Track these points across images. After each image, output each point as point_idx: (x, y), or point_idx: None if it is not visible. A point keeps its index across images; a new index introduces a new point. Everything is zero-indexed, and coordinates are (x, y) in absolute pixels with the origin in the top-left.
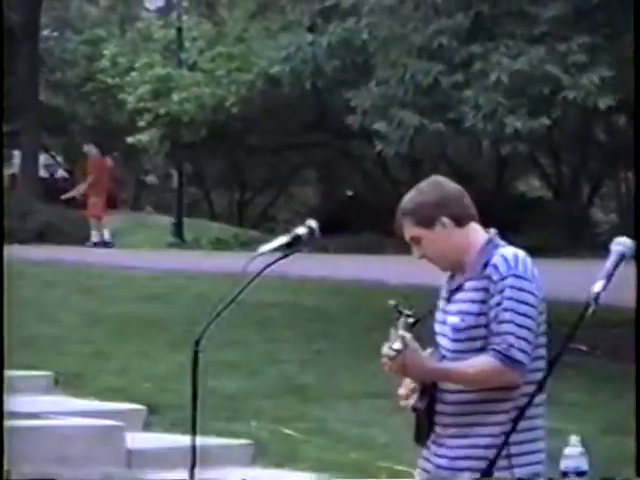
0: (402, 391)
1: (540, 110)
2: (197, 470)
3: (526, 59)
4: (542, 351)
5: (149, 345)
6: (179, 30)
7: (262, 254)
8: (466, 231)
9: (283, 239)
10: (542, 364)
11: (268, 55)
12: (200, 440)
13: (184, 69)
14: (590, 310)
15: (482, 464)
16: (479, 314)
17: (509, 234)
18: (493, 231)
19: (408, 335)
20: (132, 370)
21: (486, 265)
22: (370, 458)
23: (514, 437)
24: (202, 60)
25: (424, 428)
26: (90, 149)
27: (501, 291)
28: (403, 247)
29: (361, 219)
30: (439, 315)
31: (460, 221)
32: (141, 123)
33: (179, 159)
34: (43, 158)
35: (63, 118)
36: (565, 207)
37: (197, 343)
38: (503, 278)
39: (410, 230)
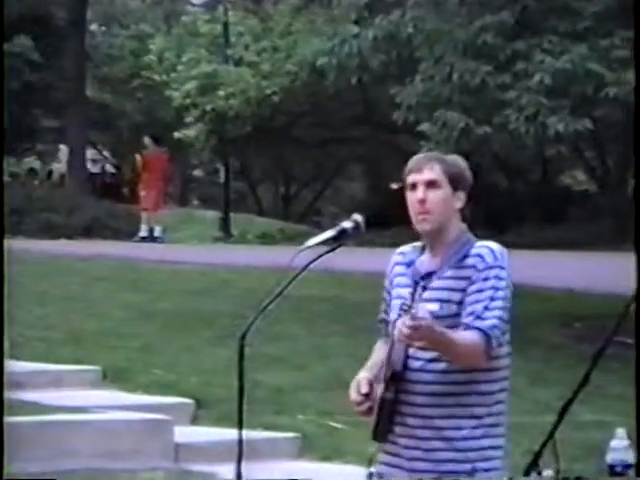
0: (357, 397)
1: (583, 109)
2: (244, 463)
3: (569, 57)
4: (509, 348)
5: (196, 339)
6: (225, 25)
7: (308, 248)
8: (459, 216)
9: (329, 233)
10: (510, 361)
11: (313, 47)
12: (247, 434)
13: (230, 64)
14: (635, 303)
15: (460, 456)
16: (460, 302)
17: (555, 227)
18: (464, 225)
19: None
20: (179, 364)
21: (466, 255)
22: None
23: (482, 432)
24: (248, 55)
25: (387, 421)
26: (148, 142)
27: (486, 279)
28: None
29: (406, 213)
30: (399, 303)
31: (464, 208)
32: (188, 119)
33: (225, 154)
34: (90, 153)
35: (110, 113)
36: (611, 200)
37: (243, 337)
38: (490, 267)
39: (435, 173)
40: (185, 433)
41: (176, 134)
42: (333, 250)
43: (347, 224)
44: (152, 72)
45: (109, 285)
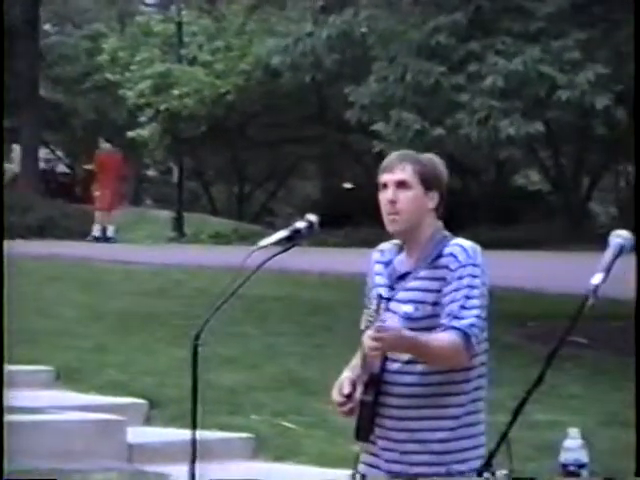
0: (338, 398)
1: (536, 112)
2: (197, 464)
3: (521, 59)
4: (486, 345)
5: (150, 339)
6: (179, 25)
7: (262, 248)
8: (434, 215)
9: (283, 233)
10: (486, 358)
11: (267, 46)
12: (200, 434)
13: (184, 64)
14: (589, 303)
15: (437, 458)
16: (435, 304)
17: (509, 227)
18: (440, 223)
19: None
20: (133, 364)
21: (440, 255)
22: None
23: (460, 433)
24: (202, 54)
25: (368, 422)
26: (103, 143)
27: (460, 278)
28: None
29: (360, 212)
30: (377, 301)
31: (439, 207)
32: (142, 118)
33: (179, 153)
34: (43, 153)
35: (63, 113)
36: (564, 200)
37: (197, 337)
38: (463, 266)
39: (406, 173)
40: (138, 433)
41: (130, 133)
42: (287, 250)
43: (301, 224)
44: (106, 72)
45: (62, 285)
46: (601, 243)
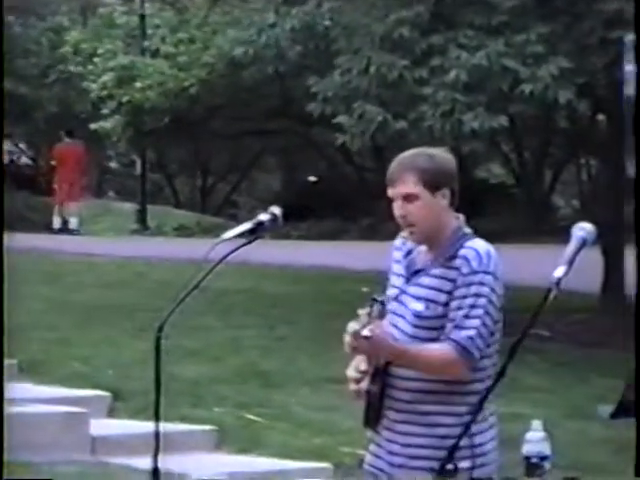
0: (353, 374)
1: (499, 105)
2: (161, 456)
3: (484, 53)
4: (497, 346)
5: (113, 332)
6: (142, 17)
7: (225, 241)
8: (450, 211)
9: (246, 226)
10: (497, 359)
11: (230, 38)
12: (163, 426)
13: (147, 56)
14: (552, 295)
15: (438, 453)
16: (446, 304)
17: (471, 219)
18: (462, 217)
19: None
20: (96, 357)
21: (455, 255)
22: (333, 443)
23: (475, 428)
24: (165, 47)
25: (375, 411)
26: (62, 135)
27: (469, 285)
28: (365, 233)
29: (324, 205)
30: (394, 293)
31: (453, 200)
32: (104, 110)
33: (142, 146)
34: (6, 145)
35: (26, 105)
36: (527, 193)
37: (160, 329)
38: (474, 272)
39: (408, 186)
40: (102, 426)
41: (92, 125)
42: (250, 243)
43: (264, 217)
44: (69, 64)
45: (25, 277)
46: (563, 236)
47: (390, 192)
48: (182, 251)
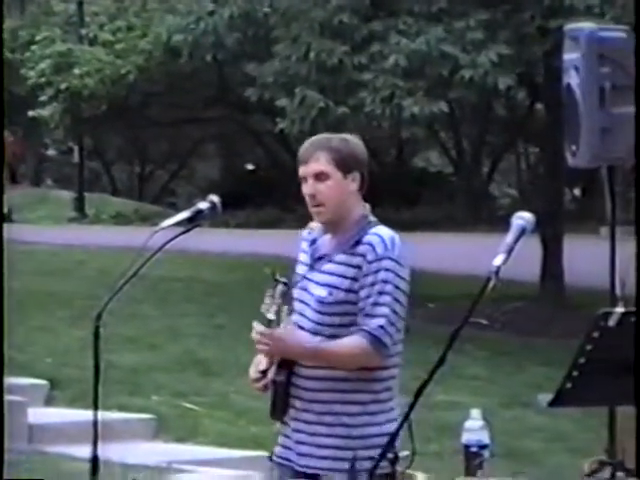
0: (253, 374)
1: (438, 91)
2: (99, 444)
3: (424, 39)
4: (402, 335)
5: (50, 320)
6: (80, 4)
7: (163, 229)
8: (359, 197)
9: (184, 214)
10: (401, 347)
11: (168, 25)
12: (102, 415)
13: (85, 43)
14: (491, 284)
15: (343, 442)
16: (349, 290)
17: (410, 208)
18: (368, 206)
19: (285, 308)
20: (33, 345)
21: (359, 242)
22: (270, 432)
23: (366, 419)
24: (103, 34)
25: (281, 402)
26: None
27: (376, 272)
28: (302, 221)
29: (262, 194)
30: (298, 280)
31: (362, 185)
32: (42, 97)
33: (80, 133)
34: None
35: None
36: (465, 182)
37: (98, 318)
38: (379, 259)
39: (321, 164)
40: (39, 414)
41: (30, 113)
42: (189, 231)
43: (203, 205)
44: (6, 49)
45: None
46: (502, 225)
47: (301, 171)
48: (120, 239)
